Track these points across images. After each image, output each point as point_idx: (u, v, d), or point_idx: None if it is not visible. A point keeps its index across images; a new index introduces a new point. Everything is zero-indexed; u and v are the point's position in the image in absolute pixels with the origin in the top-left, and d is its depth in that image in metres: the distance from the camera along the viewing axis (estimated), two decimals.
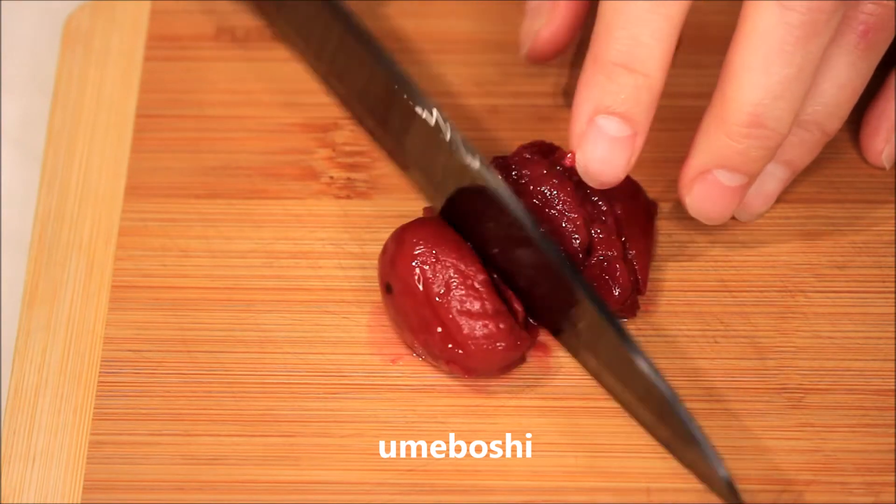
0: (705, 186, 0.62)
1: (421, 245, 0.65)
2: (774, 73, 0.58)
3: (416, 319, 0.65)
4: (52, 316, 0.68)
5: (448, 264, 0.64)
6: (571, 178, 0.65)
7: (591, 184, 0.63)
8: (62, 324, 0.68)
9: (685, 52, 0.74)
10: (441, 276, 0.64)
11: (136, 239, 0.70)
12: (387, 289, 0.65)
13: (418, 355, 0.66)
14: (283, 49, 0.75)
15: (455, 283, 0.64)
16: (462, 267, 0.64)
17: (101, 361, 0.67)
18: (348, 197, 0.71)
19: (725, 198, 0.62)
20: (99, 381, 0.66)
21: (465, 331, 0.64)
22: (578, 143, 0.62)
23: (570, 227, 0.65)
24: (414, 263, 0.64)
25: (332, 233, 0.70)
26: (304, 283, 0.69)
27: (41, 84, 0.79)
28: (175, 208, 0.71)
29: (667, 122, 0.71)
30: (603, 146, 0.62)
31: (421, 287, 0.64)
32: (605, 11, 0.60)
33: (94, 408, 0.66)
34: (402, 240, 0.65)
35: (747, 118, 0.59)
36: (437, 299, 0.64)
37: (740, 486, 0.62)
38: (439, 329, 0.64)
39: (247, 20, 0.76)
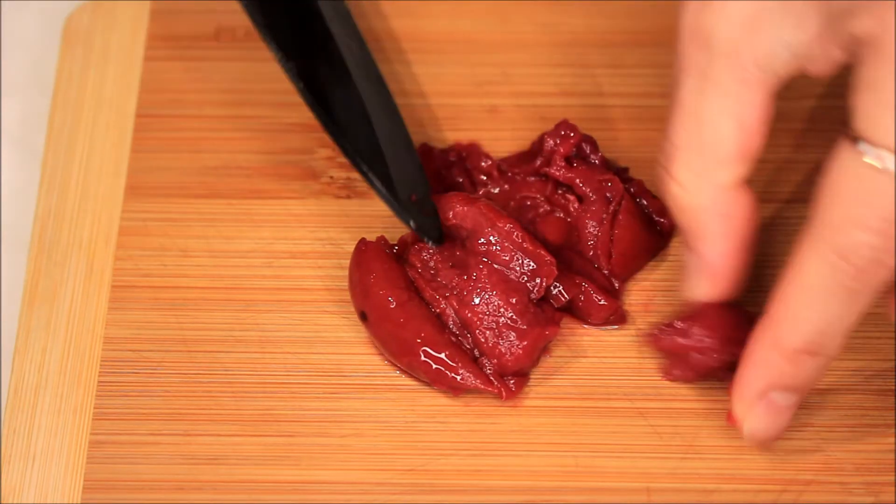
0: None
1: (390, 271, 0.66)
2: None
3: (396, 344, 0.65)
4: (52, 316, 0.68)
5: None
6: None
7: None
8: (62, 323, 0.68)
9: None
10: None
11: (136, 239, 0.70)
12: (362, 317, 0.66)
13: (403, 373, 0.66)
14: None
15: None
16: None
17: (101, 361, 0.67)
18: (348, 197, 0.71)
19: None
20: (99, 381, 0.66)
21: (496, 343, 0.64)
22: (746, 415, 0.62)
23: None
24: (383, 291, 0.65)
25: (332, 233, 0.70)
26: (304, 283, 0.69)
27: (41, 84, 0.79)
28: (175, 208, 0.71)
29: (666, 122, 0.71)
30: (772, 416, 0.62)
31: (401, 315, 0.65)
32: (789, 291, 0.59)
33: (94, 407, 0.66)
34: (368, 268, 0.66)
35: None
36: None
37: (740, 487, 0.62)
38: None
39: (247, 20, 0.76)
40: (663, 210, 0.68)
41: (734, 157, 0.61)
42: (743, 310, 0.64)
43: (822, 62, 0.59)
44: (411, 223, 0.66)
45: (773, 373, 0.60)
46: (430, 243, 0.66)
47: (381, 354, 0.66)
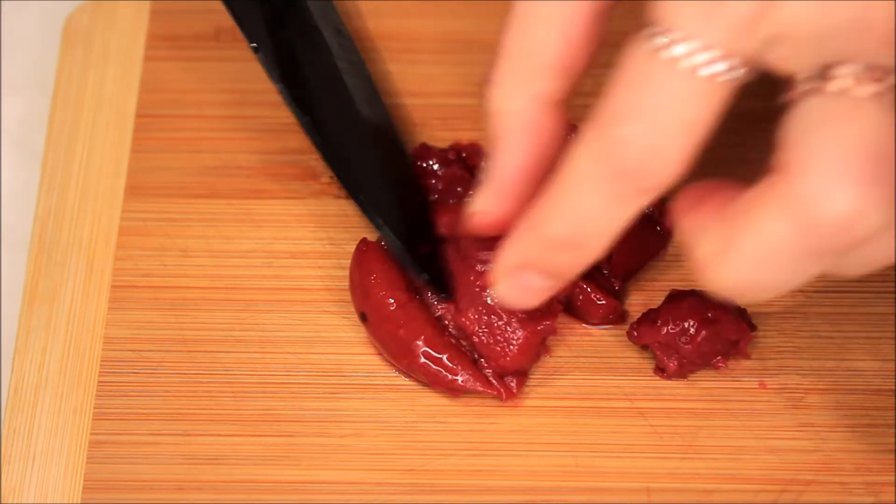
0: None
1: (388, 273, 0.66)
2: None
3: (395, 345, 0.65)
4: (52, 316, 0.68)
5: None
6: None
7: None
8: (62, 323, 0.68)
9: None
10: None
11: (136, 239, 0.70)
12: (362, 318, 0.66)
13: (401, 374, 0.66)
14: None
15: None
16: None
17: (101, 361, 0.67)
18: (348, 197, 0.71)
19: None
20: (99, 381, 0.66)
21: (493, 342, 0.64)
22: (497, 282, 0.61)
23: None
24: (383, 292, 0.65)
25: (332, 233, 0.70)
26: (304, 283, 0.69)
27: (41, 84, 0.79)
28: (175, 208, 0.71)
29: None
30: (521, 292, 0.61)
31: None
32: (557, 181, 0.57)
33: (94, 407, 0.66)
34: (369, 269, 0.66)
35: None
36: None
37: (740, 487, 0.62)
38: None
39: None
40: (663, 210, 0.68)
41: (553, 68, 0.59)
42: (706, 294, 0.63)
43: None
44: (423, 277, 0.65)
45: (529, 255, 0.59)
46: (443, 297, 0.65)
47: (380, 355, 0.66)
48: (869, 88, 0.52)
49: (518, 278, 0.60)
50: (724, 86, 0.53)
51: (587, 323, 0.67)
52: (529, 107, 0.59)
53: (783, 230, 0.53)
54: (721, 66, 0.53)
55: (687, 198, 0.57)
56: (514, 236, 0.59)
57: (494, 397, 0.65)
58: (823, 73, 0.53)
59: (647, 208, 0.68)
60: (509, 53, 0.59)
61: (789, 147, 0.53)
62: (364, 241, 0.67)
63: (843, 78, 0.53)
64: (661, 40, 0.53)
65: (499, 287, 0.61)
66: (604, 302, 0.66)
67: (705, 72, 0.53)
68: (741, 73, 0.53)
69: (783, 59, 0.54)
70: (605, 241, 0.57)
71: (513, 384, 0.65)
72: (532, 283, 0.60)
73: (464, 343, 0.65)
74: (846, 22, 0.52)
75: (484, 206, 0.61)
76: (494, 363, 0.64)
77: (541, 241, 0.58)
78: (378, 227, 0.66)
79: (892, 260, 0.55)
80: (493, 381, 0.64)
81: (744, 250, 0.54)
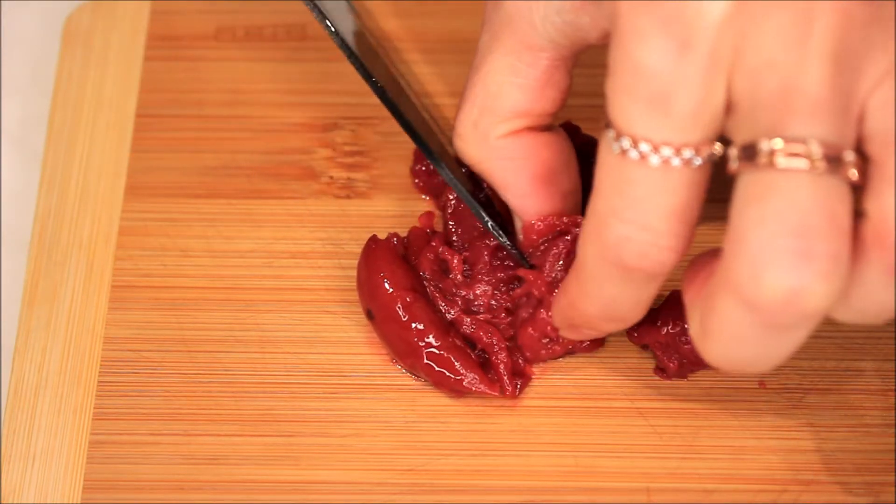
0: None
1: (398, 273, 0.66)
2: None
3: (400, 345, 0.65)
4: (52, 316, 0.68)
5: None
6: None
7: None
8: (62, 323, 0.68)
9: None
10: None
11: (136, 239, 0.70)
12: (368, 315, 0.66)
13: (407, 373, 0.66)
14: (283, 49, 0.75)
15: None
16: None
17: (101, 361, 0.67)
18: (348, 197, 0.71)
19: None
20: (99, 381, 0.66)
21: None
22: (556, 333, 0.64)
23: None
24: (391, 291, 0.65)
25: (332, 233, 0.70)
26: (304, 283, 0.69)
27: (41, 84, 0.79)
28: (175, 208, 0.71)
29: None
30: (581, 337, 0.64)
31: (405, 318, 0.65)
32: (576, 275, 0.60)
33: (94, 407, 0.66)
34: (377, 267, 0.66)
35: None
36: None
37: (740, 487, 0.62)
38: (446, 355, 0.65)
39: (247, 20, 0.76)
40: None
41: (512, 115, 0.62)
42: None
43: (596, 33, 0.59)
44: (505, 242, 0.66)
45: (577, 322, 0.62)
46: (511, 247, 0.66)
47: (385, 353, 0.66)
48: (796, 162, 0.52)
49: (574, 331, 0.63)
50: (700, 167, 0.55)
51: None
52: (497, 144, 0.62)
53: (734, 312, 0.54)
54: (688, 154, 0.54)
55: (690, 269, 0.59)
56: (558, 306, 0.63)
57: (497, 397, 0.65)
58: (752, 147, 0.53)
59: None
60: (471, 102, 0.62)
61: (730, 227, 0.54)
62: (373, 239, 0.67)
63: (768, 152, 0.53)
64: (625, 142, 0.55)
65: (561, 331, 0.64)
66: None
67: (675, 162, 0.54)
68: (707, 154, 0.55)
69: (731, 133, 0.55)
70: (642, 309, 0.60)
71: (518, 384, 0.65)
72: (588, 334, 0.63)
73: (475, 343, 0.65)
74: (774, 93, 0.52)
75: (523, 236, 0.64)
76: (507, 357, 0.64)
77: (582, 316, 0.61)
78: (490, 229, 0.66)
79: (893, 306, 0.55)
80: (500, 378, 0.64)
81: (712, 331, 0.56)
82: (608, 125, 0.55)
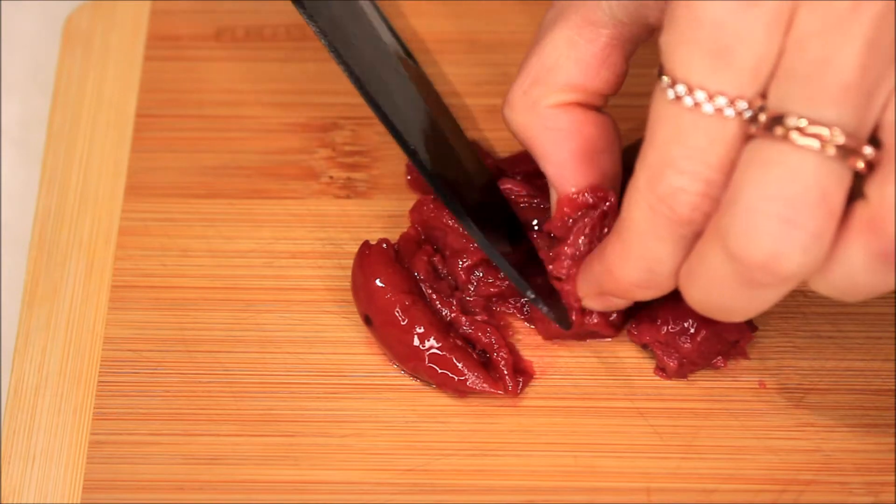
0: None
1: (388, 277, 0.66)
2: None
3: (401, 348, 0.65)
4: (52, 316, 0.68)
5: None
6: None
7: None
8: (62, 324, 0.68)
9: None
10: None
11: (136, 239, 0.70)
12: (366, 321, 0.66)
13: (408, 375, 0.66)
14: (283, 49, 0.75)
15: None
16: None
17: (101, 361, 0.67)
18: (348, 197, 0.71)
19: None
20: (99, 381, 0.66)
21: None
22: (580, 296, 0.64)
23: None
24: (389, 296, 0.65)
25: (332, 233, 0.70)
26: (304, 283, 0.69)
27: (41, 84, 0.79)
28: (175, 208, 0.71)
29: None
30: (606, 306, 0.64)
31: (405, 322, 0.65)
32: (620, 230, 0.60)
33: (94, 408, 0.66)
34: (372, 272, 0.66)
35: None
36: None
37: (740, 487, 0.62)
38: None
39: (247, 20, 0.76)
40: None
41: (565, 88, 0.62)
42: None
43: (657, 12, 0.60)
44: (543, 309, 0.65)
45: (608, 289, 0.62)
46: (562, 327, 0.65)
47: (385, 356, 0.66)
48: (810, 141, 0.54)
49: (601, 300, 0.63)
50: (749, 121, 0.56)
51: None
52: (544, 113, 0.63)
53: (717, 258, 0.56)
54: (742, 105, 0.56)
55: None
56: (590, 271, 0.62)
57: (499, 395, 0.65)
58: (778, 119, 0.55)
59: None
60: (526, 70, 0.63)
61: (731, 182, 0.56)
62: (366, 244, 0.67)
63: (790, 128, 0.54)
64: (680, 88, 0.56)
65: (585, 301, 0.64)
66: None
67: (729, 112, 0.55)
68: (758, 108, 0.55)
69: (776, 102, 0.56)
70: (675, 278, 0.60)
71: (519, 381, 0.65)
72: (615, 303, 0.63)
73: (475, 342, 0.65)
74: (810, 63, 0.54)
75: (556, 209, 0.64)
76: (508, 353, 0.65)
77: (616, 283, 0.61)
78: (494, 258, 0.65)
79: (876, 290, 0.57)
80: (506, 376, 0.64)
81: (696, 274, 0.58)
82: (662, 74, 0.57)
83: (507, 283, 0.66)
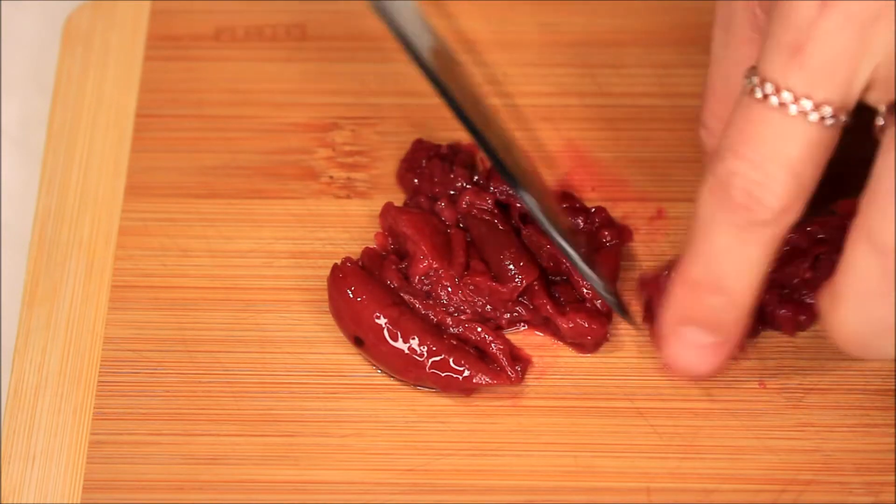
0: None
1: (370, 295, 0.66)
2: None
3: (399, 362, 0.65)
4: (52, 316, 0.68)
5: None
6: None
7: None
8: (62, 323, 0.68)
9: (685, 52, 0.74)
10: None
11: (136, 239, 0.70)
12: (356, 343, 0.66)
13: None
14: (283, 49, 0.75)
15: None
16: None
17: (101, 361, 0.67)
18: (348, 197, 0.71)
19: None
20: (99, 381, 0.66)
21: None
22: (663, 345, 0.62)
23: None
24: (376, 313, 0.65)
25: (332, 233, 0.70)
26: (303, 283, 0.69)
27: (41, 84, 0.79)
28: (175, 208, 0.71)
29: (666, 122, 0.71)
30: (688, 352, 0.62)
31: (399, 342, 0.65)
32: (692, 223, 0.59)
33: (94, 408, 0.66)
34: (354, 292, 0.65)
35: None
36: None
37: (740, 487, 0.62)
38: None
39: (247, 20, 0.76)
40: None
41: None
42: None
43: None
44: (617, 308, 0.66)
45: (682, 306, 0.60)
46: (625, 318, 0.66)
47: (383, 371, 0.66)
48: None
49: (682, 337, 0.61)
50: (830, 128, 0.56)
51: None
52: None
53: (866, 259, 0.55)
54: (827, 111, 0.56)
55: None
56: (668, 294, 0.61)
57: (503, 391, 0.65)
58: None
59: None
60: (712, 92, 0.63)
61: (870, 175, 0.56)
62: (336, 267, 0.66)
63: None
64: (768, 87, 0.56)
65: (668, 350, 0.62)
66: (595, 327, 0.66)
67: (812, 117, 0.56)
68: (843, 117, 0.56)
69: (877, 101, 0.56)
70: (746, 281, 0.58)
71: (519, 368, 0.65)
72: (695, 338, 0.61)
73: (469, 337, 0.65)
74: None
75: None
76: (503, 342, 0.65)
77: (686, 288, 0.60)
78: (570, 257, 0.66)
79: None
80: (506, 366, 0.64)
81: (844, 291, 0.56)
82: (752, 73, 0.57)
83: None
